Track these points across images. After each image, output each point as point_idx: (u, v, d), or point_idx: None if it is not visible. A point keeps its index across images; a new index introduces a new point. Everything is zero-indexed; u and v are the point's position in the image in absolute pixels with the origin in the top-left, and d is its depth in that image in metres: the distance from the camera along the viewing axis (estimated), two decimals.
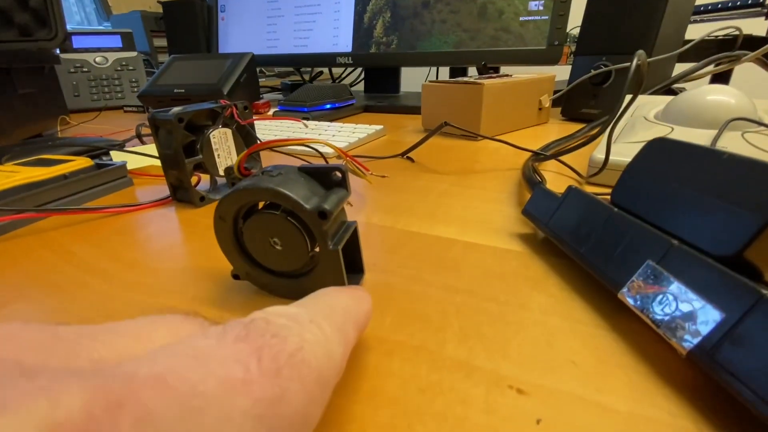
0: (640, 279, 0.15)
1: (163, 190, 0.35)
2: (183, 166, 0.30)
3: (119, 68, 0.98)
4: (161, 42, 1.47)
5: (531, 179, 0.27)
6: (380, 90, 0.89)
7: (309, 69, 1.08)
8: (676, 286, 0.14)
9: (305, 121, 0.59)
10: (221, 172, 0.33)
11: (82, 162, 0.36)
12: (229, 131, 0.33)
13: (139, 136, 0.52)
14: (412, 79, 0.90)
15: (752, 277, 0.12)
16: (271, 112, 0.81)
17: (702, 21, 0.79)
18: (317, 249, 0.17)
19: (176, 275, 0.22)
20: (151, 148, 0.44)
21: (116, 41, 1.01)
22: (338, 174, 0.17)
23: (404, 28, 0.73)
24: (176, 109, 0.29)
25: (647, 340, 0.16)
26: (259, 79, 0.88)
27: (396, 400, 0.14)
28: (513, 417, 0.13)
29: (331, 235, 0.17)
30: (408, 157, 0.43)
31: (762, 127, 0.31)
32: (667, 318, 0.14)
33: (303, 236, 0.17)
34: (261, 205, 0.18)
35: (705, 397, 0.13)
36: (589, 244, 0.18)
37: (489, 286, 0.20)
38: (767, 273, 0.14)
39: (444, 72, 1.17)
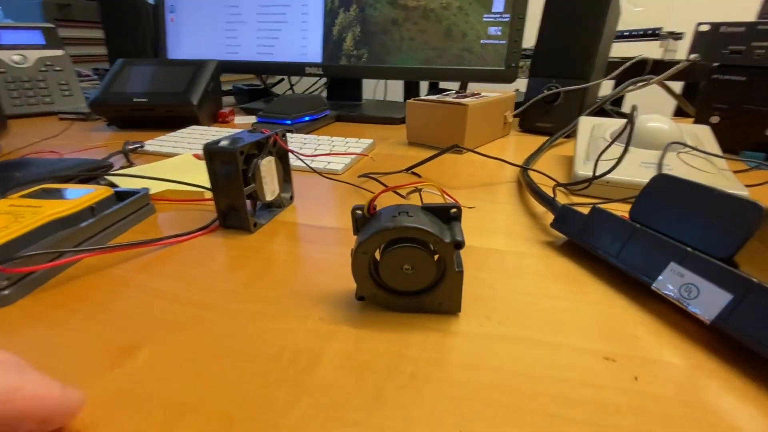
0: (668, 275, 0.23)
1: (193, 216, 0.36)
2: (240, 194, 0.31)
3: (43, 68, 0.87)
4: (68, 33, 1.31)
5: (549, 199, 0.34)
6: (343, 98, 0.91)
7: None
8: (696, 279, 0.21)
9: (289, 135, 0.60)
10: (268, 198, 0.34)
11: (103, 192, 0.35)
12: (273, 159, 0.35)
13: (126, 154, 0.49)
14: (364, 89, 0.94)
15: None
16: (236, 120, 0.80)
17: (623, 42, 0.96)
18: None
19: (287, 300, 0.24)
20: (145, 170, 0.42)
21: (37, 37, 0.89)
22: (455, 210, 0.22)
23: (375, 42, 0.77)
24: (226, 141, 0.31)
25: (672, 314, 0.23)
26: None
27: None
28: (619, 378, 0.19)
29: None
30: (413, 173, 0.48)
31: (688, 149, 0.42)
32: (692, 300, 0.21)
33: (434, 263, 0.21)
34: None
35: (718, 349, 0.21)
36: (620, 251, 0.25)
37: (545, 281, 0.26)
38: (743, 267, 0.22)
39: (393, 84, 1.24)
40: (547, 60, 0.67)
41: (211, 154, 0.31)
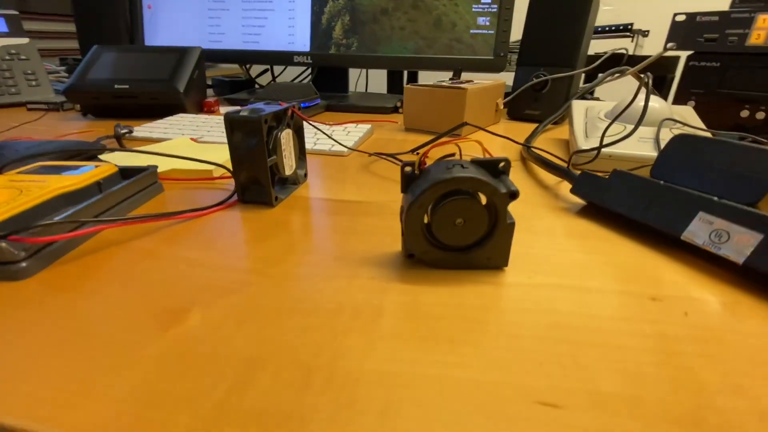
0: (696, 224, 0.24)
1: (203, 194, 0.35)
2: (264, 165, 0.30)
3: (7, 57, 0.81)
4: (30, 26, 1.22)
5: (564, 170, 0.35)
6: (330, 89, 0.91)
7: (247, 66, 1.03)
8: (726, 224, 0.23)
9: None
10: (287, 173, 0.34)
11: (108, 168, 0.33)
12: (291, 132, 0.34)
13: (119, 138, 0.46)
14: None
15: None
16: (222, 111, 0.77)
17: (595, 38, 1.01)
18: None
19: (331, 263, 0.24)
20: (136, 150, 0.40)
21: None
22: (504, 164, 0.22)
23: (364, 32, 0.77)
24: (246, 112, 0.30)
25: (700, 260, 0.24)
26: None
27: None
28: (670, 314, 0.20)
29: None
30: (418, 154, 0.49)
31: (679, 125, 0.45)
32: (723, 244, 0.23)
33: (486, 214, 0.21)
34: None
35: (750, 287, 0.22)
36: (646, 208, 0.27)
37: (575, 239, 0.27)
38: None
39: (375, 74, 1.24)
40: (534, 49, 0.70)
41: (234, 123, 0.30)
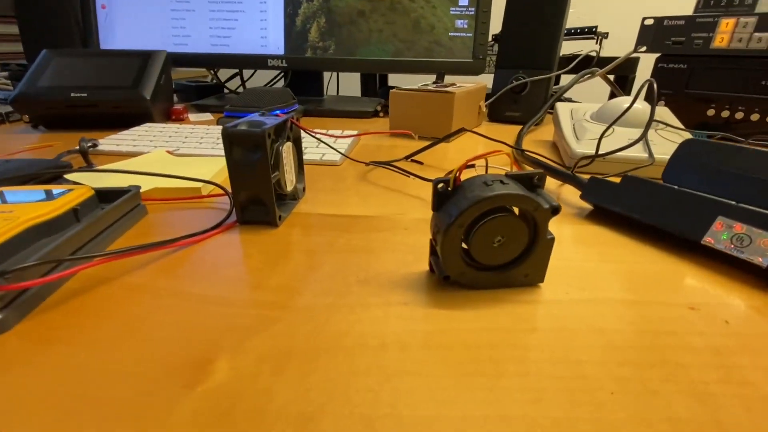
0: (716, 229, 0.24)
1: (192, 215, 0.32)
2: (268, 183, 0.28)
3: None
4: None
5: (569, 175, 0.35)
6: (305, 94, 0.88)
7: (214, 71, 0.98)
8: (747, 228, 0.23)
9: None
10: (289, 189, 0.31)
11: (84, 191, 0.29)
12: (291, 144, 0.31)
13: (85, 154, 0.42)
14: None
15: None
16: (191, 118, 0.72)
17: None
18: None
19: (357, 290, 0.22)
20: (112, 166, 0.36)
21: None
22: (539, 178, 0.21)
23: (341, 34, 0.74)
24: (244, 125, 0.27)
25: (721, 265, 0.25)
26: None
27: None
28: (712, 324, 0.20)
29: None
30: (414, 160, 0.47)
31: (662, 125, 0.46)
32: (745, 248, 0.23)
33: (527, 231, 0.20)
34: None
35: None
36: (661, 213, 0.27)
37: (598, 247, 0.27)
38: None
39: (347, 78, 1.22)
40: (512, 52, 0.70)
41: (232, 139, 0.27)
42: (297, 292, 0.22)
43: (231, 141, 0.27)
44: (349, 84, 1.30)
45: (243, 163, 0.28)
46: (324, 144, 0.47)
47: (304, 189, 0.36)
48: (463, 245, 0.21)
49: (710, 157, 0.27)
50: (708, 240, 0.25)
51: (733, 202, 0.24)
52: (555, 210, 0.20)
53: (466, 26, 0.72)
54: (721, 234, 0.24)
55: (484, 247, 0.21)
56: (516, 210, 0.21)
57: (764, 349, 0.18)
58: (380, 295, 0.22)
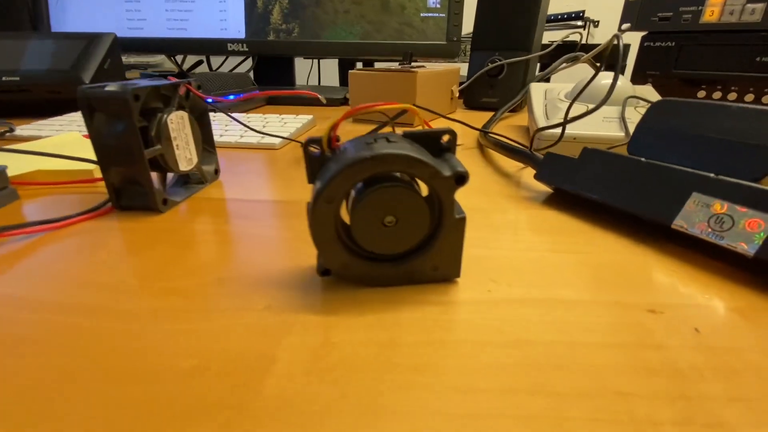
0: (690, 209, 0.19)
1: (75, 202, 0.26)
2: (140, 160, 0.23)
3: None
4: None
5: (526, 153, 0.29)
6: (273, 82, 0.83)
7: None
8: (728, 206, 0.18)
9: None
10: (183, 167, 0.26)
11: None
12: (186, 115, 0.26)
13: None
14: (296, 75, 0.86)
15: None
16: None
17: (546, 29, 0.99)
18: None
19: (214, 290, 0.17)
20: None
21: None
22: (448, 138, 0.16)
23: (306, 15, 0.69)
24: (118, 85, 0.22)
25: (697, 254, 0.19)
26: None
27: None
28: (678, 333, 0.14)
29: None
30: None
31: (643, 102, 0.41)
32: (726, 232, 0.18)
33: (427, 208, 0.15)
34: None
35: (763, 284, 0.17)
36: (625, 192, 0.22)
37: (544, 235, 0.21)
38: None
39: (330, 67, 1.17)
40: (488, 33, 0.65)
41: (91, 101, 0.22)
42: (129, 292, 0.17)
43: (90, 105, 0.22)
44: (333, 74, 1.25)
45: (107, 134, 0.22)
46: (239, 122, 0.42)
47: (216, 171, 0.31)
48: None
49: (684, 119, 0.21)
50: (680, 223, 0.19)
51: (712, 174, 0.19)
52: (460, 178, 0.15)
53: (438, 5, 0.67)
54: (695, 215, 0.19)
55: (371, 229, 0.15)
56: (423, 186, 0.15)
57: (745, 370, 0.13)
58: (239, 297, 0.16)
